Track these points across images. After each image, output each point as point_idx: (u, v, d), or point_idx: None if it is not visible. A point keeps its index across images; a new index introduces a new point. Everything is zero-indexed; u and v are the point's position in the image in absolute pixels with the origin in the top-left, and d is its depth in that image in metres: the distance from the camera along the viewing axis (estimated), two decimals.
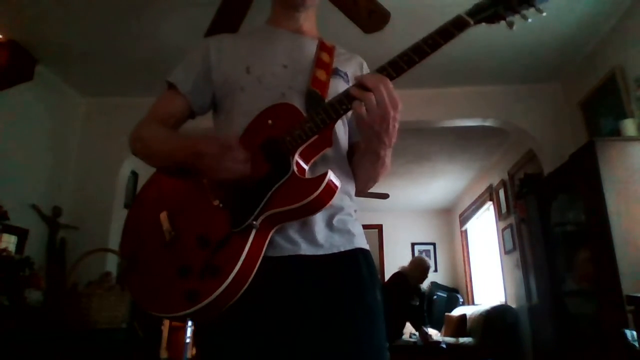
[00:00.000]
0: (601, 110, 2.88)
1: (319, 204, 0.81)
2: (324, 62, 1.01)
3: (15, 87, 2.89)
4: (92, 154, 3.57)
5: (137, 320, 2.64)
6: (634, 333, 1.77)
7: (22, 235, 2.92)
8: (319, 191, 0.80)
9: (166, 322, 4.45)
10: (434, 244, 7.20)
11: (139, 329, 2.63)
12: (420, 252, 7.15)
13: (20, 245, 2.89)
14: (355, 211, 0.98)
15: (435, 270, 7.03)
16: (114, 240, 3.42)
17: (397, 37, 2.68)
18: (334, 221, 0.91)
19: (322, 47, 1.05)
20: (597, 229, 2.28)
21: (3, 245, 2.67)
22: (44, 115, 3.25)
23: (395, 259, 6.99)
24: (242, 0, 2.12)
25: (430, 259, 7.13)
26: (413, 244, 7.18)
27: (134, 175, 3.90)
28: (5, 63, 2.77)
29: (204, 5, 2.40)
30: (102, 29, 2.78)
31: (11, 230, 2.82)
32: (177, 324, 4.82)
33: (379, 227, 7.18)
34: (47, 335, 2.16)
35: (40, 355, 2.03)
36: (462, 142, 4.55)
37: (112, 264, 3.34)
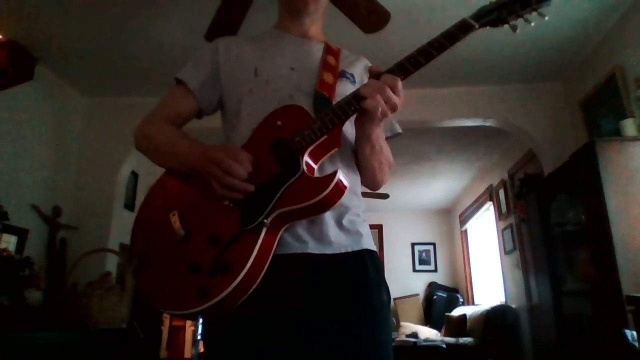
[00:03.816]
0: (601, 110, 2.87)
1: (329, 202, 0.83)
2: (330, 65, 1.02)
3: (15, 87, 2.88)
4: (92, 154, 3.57)
5: (137, 320, 2.64)
6: (634, 333, 1.77)
7: (22, 235, 2.91)
8: (328, 190, 0.81)
9: (166, 322, 4.45)
10: (434, 244, 7.20)
11: (139, 329, 2.63)
12: (420, 252, 7.16)
13: (20, 245, 2.89)
14: (363, 212, 0.99)
15: (435, 270, 7.04)
16: (114, 240, 3.43)
17: (397, 37, 2.70)
18: (343, 221, 0.92)
19: (328, 50, 1.07)
20: (597, 229, 2.29)
21: (3, 245, 2.66)
22: (44, 115, 3.25)
23: (395, 259, 7.00)
24: (242, 0, 2.12)
25: (430, 259, 7.16)
26: (413, 244, 7.18)
27: (134, 175, 3.89)
28: (5, 63, 2.76)
29: (204, 5, 2.41)
30: (102, 29, 2.79)
31: (11, 230, 2.82)
32: (177, 323, 4.82)
33: (379, 227, 7.18)
34: (47, 335, 2.16)
35: (40, 355, 2.03)
36: (462, 142, 4.55)
37: (112, 264, 3.34)
